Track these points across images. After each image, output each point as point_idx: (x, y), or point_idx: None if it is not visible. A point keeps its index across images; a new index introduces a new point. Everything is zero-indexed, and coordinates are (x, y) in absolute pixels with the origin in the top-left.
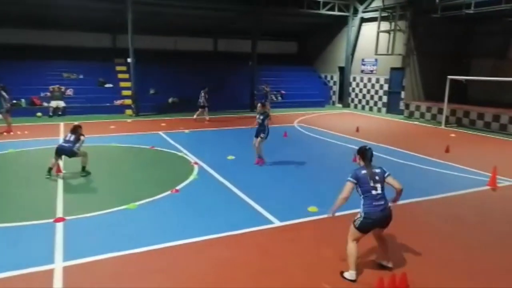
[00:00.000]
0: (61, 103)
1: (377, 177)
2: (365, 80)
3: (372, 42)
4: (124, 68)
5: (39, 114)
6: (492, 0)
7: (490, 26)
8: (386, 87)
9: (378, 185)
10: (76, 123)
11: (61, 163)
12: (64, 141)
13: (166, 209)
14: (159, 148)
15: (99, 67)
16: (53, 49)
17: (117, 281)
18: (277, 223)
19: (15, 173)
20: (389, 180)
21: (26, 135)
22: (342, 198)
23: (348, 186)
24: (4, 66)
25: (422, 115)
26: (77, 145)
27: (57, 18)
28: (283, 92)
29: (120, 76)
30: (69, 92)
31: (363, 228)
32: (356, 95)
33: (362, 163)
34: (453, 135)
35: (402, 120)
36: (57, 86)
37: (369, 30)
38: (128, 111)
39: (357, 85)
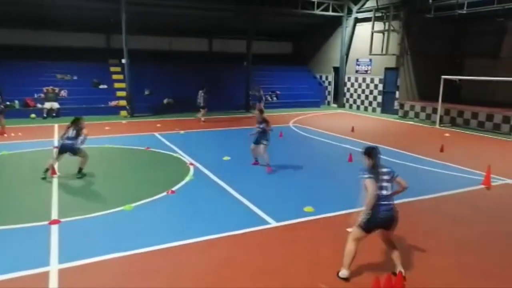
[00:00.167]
0: (55, 105)
1: (386, 177)
2: (360, 80)
3: (366, 42)
4: (118, 69)
5: (32, 115)
6: (485, 0)
7: (483, 26)
8: (380, 87)
9: (388, 185)
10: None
11: (56, 165)
12: (66, 138)
13: (162, 210)
14: (154, 149)
15: (93, 68)
16: (47, 49)
17: (113, 282)
18: (273, 224)
19: (8, 175)
20: (398, 179)
21: (20, 137)
22: (373, 195)
23: (371, 182)
24: None
25: (416, 115)
26: (80, 139)
27: (51, 18)
28: (278, 92)
29: (115, 77)
30: (63, 93)
31: (368, 226)
32: (351, 95)
33: (370, 163)
34: (447, 134)
35: (396, 120)
36: (51, 87)
37: (363, 30)
38: (123, 112)
39: (352, 85)
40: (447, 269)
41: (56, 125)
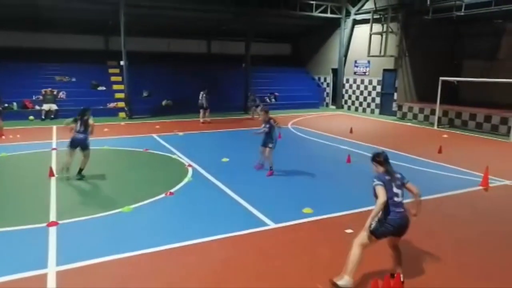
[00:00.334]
0: (54, 106)
1: (398, 183)
2: (358, 82)
3: (365, 44)
4: (117, 70)
5: (31, 117)
6: (482, 3)
7: (481, 28)
8: (379, 88)
9: (400, 192)
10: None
11: (53, 167)
12: (77, 132)
13: (161, 211)
14: (153, 151)
15: (91, 69)
16: (45, 51)
17: (112, 284)
18: (272, 225)
19: (7, 177)
20: (409, 186)
21: (18, 139)
22: (382, 203)
23: (381, 189)
24: None
25: (414, 116)
26: (90, 123)
27: (49, 20)
28: (276, 94)
29: (113, 78)
30: (62, 95)
31: (381, 233)
32: (350, 96)
33: (381, 170)
34: (445, 135)
35: (395, 121)
36: (50, 89)
37: (361, 32)
38: (122, 114)
39: (350, 86)
40: (447, 269)
41: (54, 127)
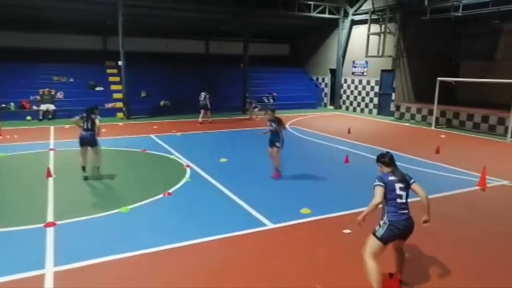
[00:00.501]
0: (51, 107)
1: (403, 185)
2: (356, 82)
3: (363, 44)
4: (115, 71)
5: (28, 117)
6: (479, 3)
7: (478, 28)
8: (377, 88)
9: (404, 193)
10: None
11: (51, 167)
12: (84, 130)
13: (159, 212)
14: (151, 151)
15: (89, 70)
16: (43, 51)
17: (109, 285)
18: (270, 225)
19: (4, 177)
20: (414, 187)
21: (16, 139)
22: (375, 204)
23: (379, 190)
24: None
25: (412, 117)
26: (96, 124)
27: (47, 20)
28: (275, 94)
29: (111, 79)
30: (59, 95)
31: (387, 238)
32: (348, 97)
33: (386, 170)
34: (443, 136)
35: (393, 122)
36: (47, 89)
37: (359, 33)
38: (120, 114)
39: (348, 87)
40: (446, 269)
41: (52, 127)
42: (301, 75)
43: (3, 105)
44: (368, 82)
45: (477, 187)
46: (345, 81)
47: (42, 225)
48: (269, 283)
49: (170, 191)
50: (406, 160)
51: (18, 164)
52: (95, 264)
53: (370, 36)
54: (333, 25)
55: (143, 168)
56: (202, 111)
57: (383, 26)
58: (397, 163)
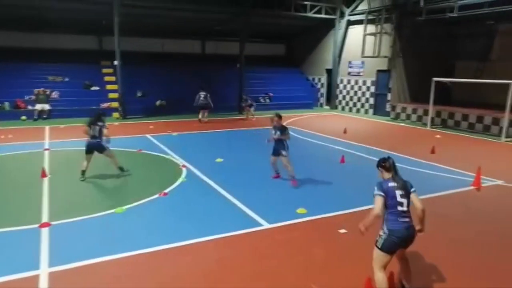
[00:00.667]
0: (46, 106)
1: (404, 192)
2: (352, 82)
3: (359, 45)
4: (110, 70)
5: (23, 117)
6: (474, 4)
7: (474, 29)
8: (372, 89)
9: (404, 201)
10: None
11: (46, 167)
12: (91, 137)
13: (155, 212)
14: (146, 151)
15: (85, 69)
16: (38, 51)
17: (105, 285)
18: (266, 225)
19: None
20: (413, 197)
21: (10, 139)
22: (375, 215)
23: (379, 200)
24: None
25: (408, 117)
26: (104, 139)
27: (42, 20)
28: (271, 94)
29: (107, 78)
30: (55, 95)
31: (388, 247)
32: (344, 97)
33: (387, 176)
34: (438, 136)
35: (388, 122)
36: (42, 89)
37: (355, 33)
38: (115, 114)
39: (344, 87)
40: (442, 269)
41: (47, 127)
42: (297, 75)
43: None
44: (364, 82)
45: (472, 187)
46: (341, 81)
47: (37, 225)
48: (265, 283)
49: (166, 191)
50: (402, 160)
51: (12, 164)
52: (90, 265)
53: (366, 36)
54: (330, 25)
55: (139, 168)
56: (202, 111)
57: (379, 26)
58: None
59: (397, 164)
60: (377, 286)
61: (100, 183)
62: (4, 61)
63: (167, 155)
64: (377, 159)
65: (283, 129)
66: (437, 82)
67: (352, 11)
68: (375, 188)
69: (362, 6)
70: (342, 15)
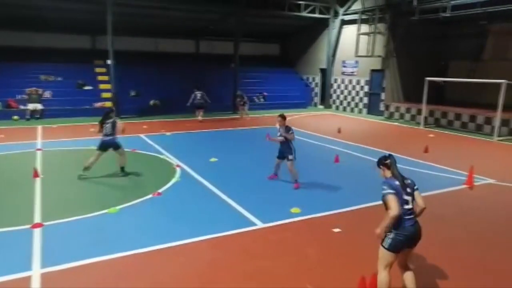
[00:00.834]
0: (39, 106)
1: (409, 189)
2: (346, 82)
3: (353, 44)
4: (104, 70)
5: (15, 117)
6: (467, 4)
7: (466, 29)
8: (366, 88)
9: (410, 199)
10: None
11: (39, 167)
12: (104, 135)
13: (148, 212)
14: (140, 151)
15: (78, 69)
16: (30, 50)
17: (98, 285)
18: (260, 225)
19: None
20: (416, 195)
21: (2, 139)
22: (393, 216)
23: (393, 199)
24: None
25: (401, 116)
26: (117, 127)
27: (35, 19)
28: (265, 94)
29: (100, 78)
30: (47, 94)
31: (395, 246)
32: (338, 96)
33: (389, 175)
34: (431, 135)
35: (382, 121)
36: (34, 88)
37: (349, 32)
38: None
39: (339, 86)
40: (432, 266)
41: (39, 127)
42: (291, 74)
43: None
44: (358, 82)
45: (465, 186)
46: (335, 80)
47: (29, 226)
48: (259, 283)
49: (159, 191)
50: (396, 159)
51: (4, 165)
52: (83, 265)
53: (360, 36)
54: (324, 25)
55: (132, 168)
56: (198, 110)
57: (372, 26)
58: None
59: None
60: (379, 285)
61: (93, 183)
62: None
63: (161, 155)
64: (371, 159)
65: (287, 129)
66: (430, 81)
67: (346, 10)
68: (384, 187)
69: (356, 6)
70: (336, 14)
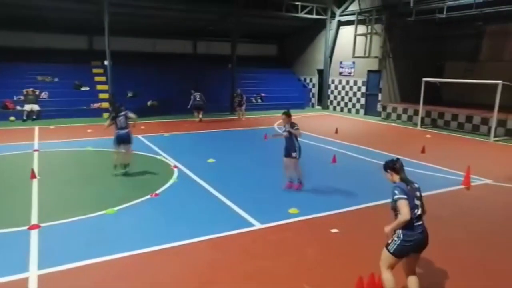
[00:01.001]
0: (36, 107)
1: (418, 193)
2: (343, 83)
3: (350, 45)
4: (101, 70)
5: (12, 118)
6: (463, 5)
7: (462, 30)
8: (363, 89)
9: (419, 203)
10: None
11: (36, 169)
12: (119, 128)
13: (146, 213)
14: (138, 152)
15: (75, 69)
16: (27, 51)
17: (96, 287)
18: (258, 226)
19: None
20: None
21: None
22: (404, 221)
23: (405, 205)
24: None
25: (398, 117)
26: (130, 116)
27: (31, 19)
28: (263, 94)
29: (97, 78)
30: (44, 95)
31: (400, 251)
32: (335, 97)
33: (397, 179)
34: (428, 135)
35: (379, 122)
36: (31, 89)
37: (346, 33)
38: (106, 114)
39: (336, 87)
40: (430, 266)
41: (36, 128)
42: (289, 75)
43: None
44: (355, 83)
45: (462, 186)
46: (333, 81)
47: (26, 227)
48: (258, 283)
49: (157, 192)
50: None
51: (1, 166)
52: (80, 267)
53: (357, 37)
54: (321, 25)
55: (130, 169)
56: (197, 111)
57: (369, 27)
58: (383, 162)
59: None
60: (386, 285)
61: (90, 184)
62: None
63: (158, 155)
64: (368, 159)
65: (292, 125)
66: (427, 82)
67: (343, 11)
68: (396, 192)
69: (353, 7)
70: (333, 15)
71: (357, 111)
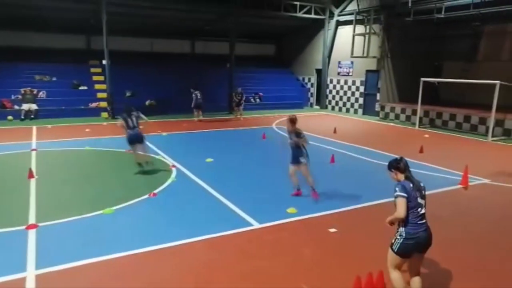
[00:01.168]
0: (33, 106)
1: (423, 192)
2: (342, 82)
3: (348, 45)
4: (99, 70)
5: (10, 117)
6: (461, 5)
7: (460, 30)
8: (362, 89)
9: (423, 202)
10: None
11: (34, 168)
12: (131, 128)
13: (144, 213)
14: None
15: (73, 69)
16: (25, 50)
17: (93, 287)
18: (256, 225)
19: None
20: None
21: None
22: (398, 218)
23: (403, 203)
24: None
25: (397, 117)
26: (142, 117)
27: (30, 19)
28: (261, 94)
29: (95, 78)
30: (42, 94)
31: (404, 251)
32: (333, 97)
33: (402, 178)
34: (426, 135)
35: (377, 122)
36: (29, 88)
37: (345, 33)
38: (104, 114)
39: (334, 87)
40: (428, 266)
41: (34, 127)
42: (287, 75)
43: None
44: (354, 82)
45: (460, 186)
46: (331, 81)
47: (23, 227)
48: (255, 283)
49: (155, 191)
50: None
51: None
52: (78, 267)
53: (355, 36)
54: (319, 25)
55: (128, 168)
56: (197, 110)
57: (367, 27)
58: (381, 162)
59: (386, 164)
60: (395, 285)
61: (88, 183)
62: None
63: (156, 155)
64: (367, 159)
65: (297, 134)
66: (425, 82)
67: (341, 11)
68: (397, 189)
69: (351, 7)
70: (331, 15)
71: (356, 111)
